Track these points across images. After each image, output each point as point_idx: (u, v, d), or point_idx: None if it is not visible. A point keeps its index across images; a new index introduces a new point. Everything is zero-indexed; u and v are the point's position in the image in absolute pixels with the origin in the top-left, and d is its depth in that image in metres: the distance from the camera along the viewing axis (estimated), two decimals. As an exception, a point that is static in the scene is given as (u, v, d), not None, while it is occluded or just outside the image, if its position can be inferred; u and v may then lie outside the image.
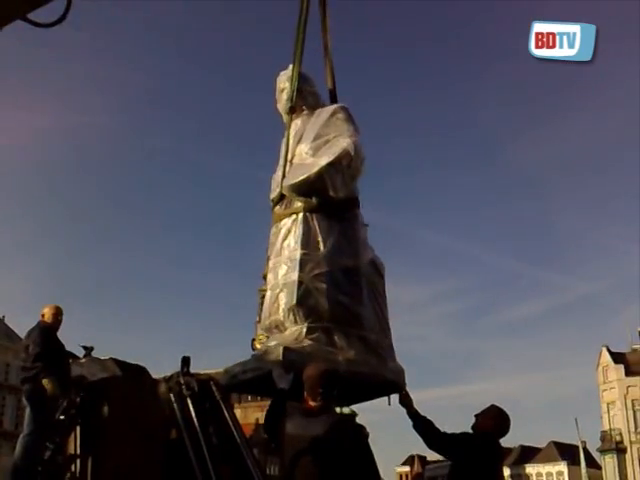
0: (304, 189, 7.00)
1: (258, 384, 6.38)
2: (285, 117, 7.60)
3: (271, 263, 7.07)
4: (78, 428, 6.75)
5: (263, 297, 7.09)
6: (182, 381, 5.87)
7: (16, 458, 6.87)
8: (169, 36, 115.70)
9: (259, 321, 7.17)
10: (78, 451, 6.70)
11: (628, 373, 56.48)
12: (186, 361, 6.28)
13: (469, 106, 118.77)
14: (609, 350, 58.56)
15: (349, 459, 4.12)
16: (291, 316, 6.64)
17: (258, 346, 6.71)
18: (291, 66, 7.51)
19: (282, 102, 7.60)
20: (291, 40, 7.43)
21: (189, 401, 5.72)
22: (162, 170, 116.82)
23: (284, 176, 7.16)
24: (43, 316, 7.27)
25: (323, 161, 6.95)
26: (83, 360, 7.78)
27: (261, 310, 7.08)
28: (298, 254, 6.78)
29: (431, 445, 5.36)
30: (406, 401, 5.62)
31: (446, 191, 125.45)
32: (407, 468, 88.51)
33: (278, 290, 6.85)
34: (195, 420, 5.62)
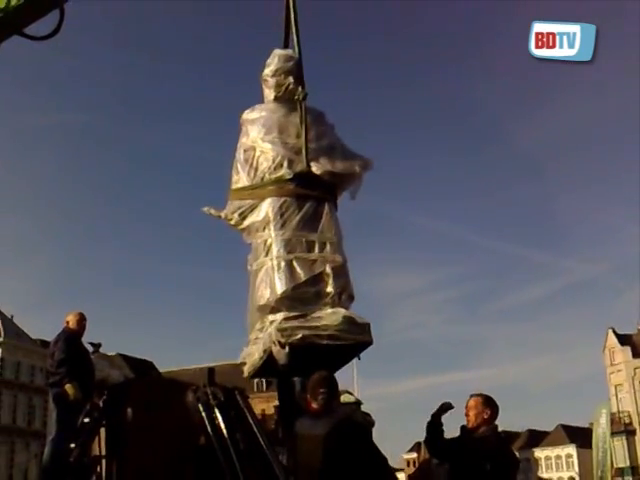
0: (337, 179, 7.07)
1: (348, 353, 6.50)
2: (271, 92, 7.32)
3: (283, 235, 6.78)
4: (102, 430, 6.98)
5: None
6: (209, 391, 6.15)
7: (44, 460, 7.15)
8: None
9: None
10: (103, 452, 6.93)
11: (635, 355, 56.56)
12: (212, 372, 6.55)
13: (466, 89, 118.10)
14: (615, 332, 58.55)
15: (350, 457, 4.49)
16: (335, 296, 6.61)
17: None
18: (290, 51, 7.36)
19: (283, 82, 7.27)
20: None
21: (216, 410, 6.02)
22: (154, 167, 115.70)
23: (307, 154, 6.95)
24: (68, 323, 7.50)
25: (360, 165, 7.12)
26: (92, 357, 8.04)
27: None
28: (335, 239, 6.85)
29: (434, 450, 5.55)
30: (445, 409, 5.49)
31: (444, 176, 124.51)
32: (414, 455, 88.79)
33: (310, 264, 6.69)
34: (223, 427, 5.91)
